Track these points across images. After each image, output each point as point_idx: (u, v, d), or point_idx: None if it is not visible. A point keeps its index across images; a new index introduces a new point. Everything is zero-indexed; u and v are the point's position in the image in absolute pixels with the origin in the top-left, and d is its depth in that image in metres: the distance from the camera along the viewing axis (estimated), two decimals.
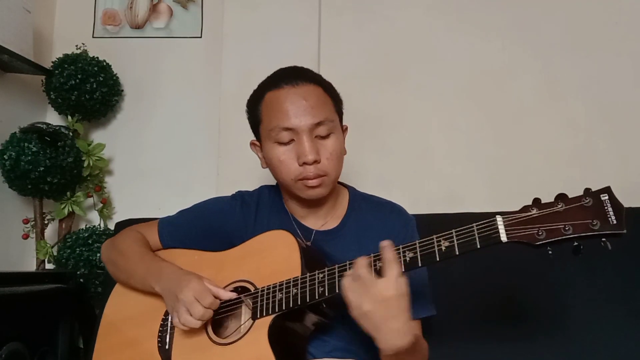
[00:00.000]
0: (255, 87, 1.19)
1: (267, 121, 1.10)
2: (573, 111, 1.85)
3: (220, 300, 1.04)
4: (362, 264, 0.88)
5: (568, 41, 1.89)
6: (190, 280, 1.04)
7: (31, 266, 1.95)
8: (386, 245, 0.87)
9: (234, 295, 1.05)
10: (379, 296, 0.84)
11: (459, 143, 1.89)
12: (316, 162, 1.06)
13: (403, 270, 0.88)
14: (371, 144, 1.90)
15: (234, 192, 1.28)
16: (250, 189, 1.30)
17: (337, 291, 0.94)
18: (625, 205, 0.82)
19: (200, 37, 2.13)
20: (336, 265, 0.95)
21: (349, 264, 0.93)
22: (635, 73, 1.84)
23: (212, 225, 1.21)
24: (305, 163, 1.06)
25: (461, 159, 1.89)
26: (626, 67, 1.85)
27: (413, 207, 1.67)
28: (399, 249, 0.89)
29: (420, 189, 1.87)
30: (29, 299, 1.56)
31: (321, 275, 0.96)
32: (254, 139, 1.19)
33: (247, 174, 1.81)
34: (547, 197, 0.84)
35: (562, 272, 1.46)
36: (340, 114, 1.15)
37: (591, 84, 1.86)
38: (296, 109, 1.06)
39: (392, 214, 1.19)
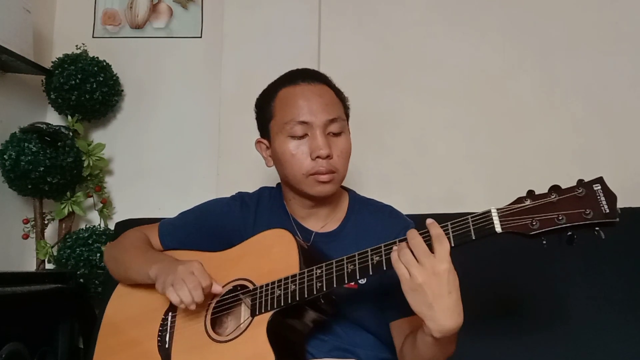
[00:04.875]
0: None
1: (281, 115, 1.11)
2: (572, 111, 1.86)
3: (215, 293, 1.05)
4: (414, 234, 0.86)
5: (567, 41, 1.89)
6: (191, 262, 1.05)
7: (31, 266, 1.95)
8: (432, 222, 0.86)
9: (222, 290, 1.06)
10: (431, 269, 0.83)
11: (458, 143, 1.90)
12: (329, 157, 1.08)
13: None
14: (371, 144, 1.90)
15: (234, 193, 1.28)
16: (251, 189, 1.30)
17: (334, 286, 0.94)
18: (625, 205, 0.82)
19: (200, 37, 2.13)
20: (334, 261, 0.96)
21: (347, 259, 0.94)
22: (634, 73, 1.85)
23: (212, 227, 1.22)
24: (318, 157, 1.07)
25: (461, 159, 1.89)
26: (625, 68, 1.85)
27: (413, 207, 1.68)
28: (395, 242, 0.90)
29: (420, 189, 1.87)
30: (29, 299, 1.56)
31: (319, 271, 0.96)
32: (260, 137, 1.20)
33: (247, 174, 1.82)
34: None
35: (561, 271, 1.46)
36: (347, 117, 1.18)
37: (590, 84, 1.86)
38: (312, 104, 1.09)
39: (391, 218, 1.19)
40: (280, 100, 1.13)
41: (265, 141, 1.18)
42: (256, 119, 1.21)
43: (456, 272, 0.85)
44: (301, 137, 1.09)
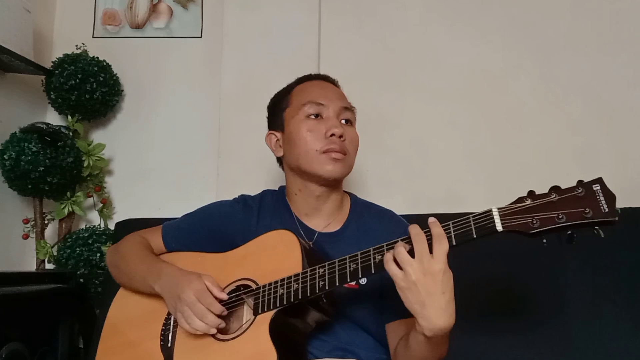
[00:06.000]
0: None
1: (298, 101, 1.18)
2: (572, 111, 1.86)
3: (221, 300, 1.05)
4: (418, 229, 0.87)
5: (567, 41, 1.89)
6: (191, 281, 1.04)
7: (31, 266, 1.95)
8: (434, 221, 0.87)
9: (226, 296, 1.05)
10: (427, 268, 0.84)
11: (458, 143, 1.90)
12: (342, 138, 1.13)
13: None
14: (371, 144, 1.89)
15: (235, 194, 1.29)
16: (251, 189, 1.31)
17: (337, 285, 0.95)
18: (625, 205, 0.83)
19: (200, 37, 2.13)
20: (336, 260, 0.96)
21: (349, 258, 0.94)
22: (634, 73, 1.85)
23: (215, 229, 1.23)
24: (333, 135, 1.12)
25: (461, 159, 1.89)
26: (625, 67, 1.85)
27: (413, 207, 1.68)
28: (397, 241, 0.90)
29: (420, 189, 1.87)
30: (29, 299, 1.56)
31: (321, 270, 0.97)
32: (270, 130, 1.25)
33: (247, 174, 1.82)
34: None
35: (561, 271, 1.46)
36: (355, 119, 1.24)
37: (590, 84, 1.86)
38: (328, 92, 1.20)
39: (392, 221, 1.21)
40: (297, 91, 1.21)
41: (276, 133, 1.22)
42: (268, 117, 1.27)
43: (452, 273, 0.86)
44: (317, 118, 1.15)
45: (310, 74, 1.27)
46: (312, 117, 1.15)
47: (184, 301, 1.02)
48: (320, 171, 1.12)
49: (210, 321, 1.01)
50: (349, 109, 1.19)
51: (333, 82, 1.25)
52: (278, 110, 1.22)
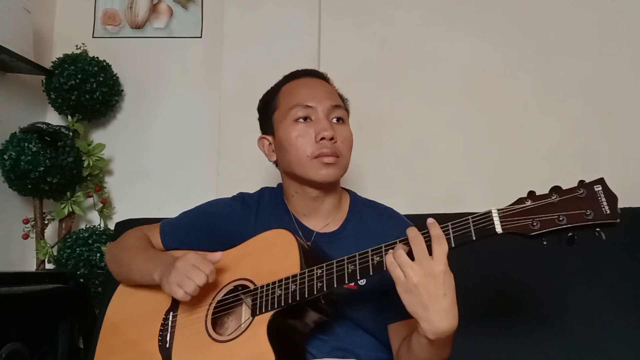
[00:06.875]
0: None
1: (286, 103, 1.15)
2: (572, 111, 1.86)
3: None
4: (415, 232, 0.87)
5: (567, 41, 1.89)
6: (188, 252, 1.04)
7: (31, 266, 1.95)
8: (433, 222, 0.86)
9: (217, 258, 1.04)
10: (427, 270, 0.83)
11: (458, 143, 1.90)
12: (333, 140, 1.10)
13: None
14: (371, 144, 1.90)
15: (234, 194, 1.28)
16: (251, 189, 1.30)
17: (335, 286, 0.94)
18: (625, 205, 0.82)
19: (200, 37, 2.13)
20: (334, 261, 0.96)
21: (347, 259, 0.94)
22: (634, 73, 1.85)
23: (213, 227, 1.22)
24: (323, 139, 1.09)
25: (461, 159, 1.89)
26: (625, 67, 1.85)
27: (413, 207, 1.68)
28: (395, 242, 0.90)
29: (420, 189, 1.87)
30: (29, 299, 1.56)
31: (319, 271, 0.96)
32: (262, 134, 1.22)
33: (247, 174, 1.82)
34: None
35: (561, 271, 1.46)
36: (347, 114, 1.21)
37: (590, 84, 1.86)
38: (316, 91, 1.15)
39: (392, 219, 1.20)
40: (284, 92, 1.17)
41: (268, 137, 1.20)
42: (259, 119, 1.24)
43: (452, 274, 0.85)
44: (306, 121, 1.12)
45: (298, 71, 1.22)
46: (301, 120, 1.12)
47: (178, 264, 1.01)
48: (313, 177, 1.10)
49: (199, 278, 0.98)
50: (340, 106, 1.15)
51: (321, 77, 1.21)
52: (267, 114, 1.19)
